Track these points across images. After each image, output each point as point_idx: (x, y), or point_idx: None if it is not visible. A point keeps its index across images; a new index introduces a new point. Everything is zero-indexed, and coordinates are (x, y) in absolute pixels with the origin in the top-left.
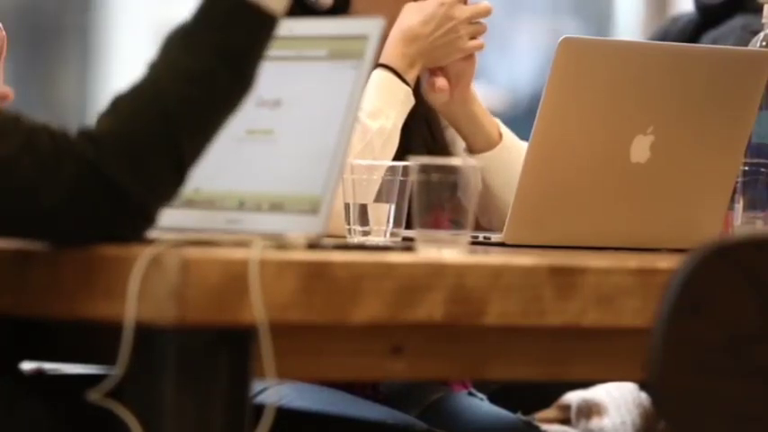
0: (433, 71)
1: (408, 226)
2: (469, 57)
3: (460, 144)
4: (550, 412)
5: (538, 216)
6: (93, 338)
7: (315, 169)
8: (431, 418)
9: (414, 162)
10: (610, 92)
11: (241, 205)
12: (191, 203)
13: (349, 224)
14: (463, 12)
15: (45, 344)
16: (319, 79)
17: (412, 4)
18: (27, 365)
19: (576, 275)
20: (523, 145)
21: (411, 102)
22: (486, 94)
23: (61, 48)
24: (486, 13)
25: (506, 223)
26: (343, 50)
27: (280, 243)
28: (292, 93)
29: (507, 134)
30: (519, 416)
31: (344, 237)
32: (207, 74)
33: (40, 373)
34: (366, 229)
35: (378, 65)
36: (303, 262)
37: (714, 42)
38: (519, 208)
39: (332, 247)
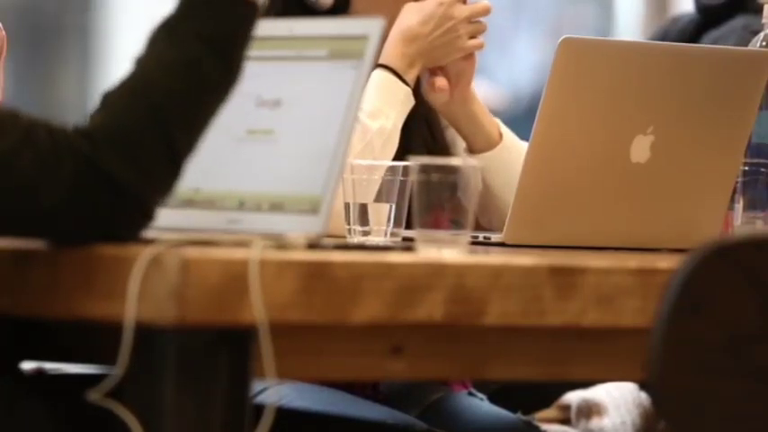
0: (433, 71)
1: (408, 226)
2: (469, 56)
3: (461, 144)
4: (550, 412)
5: (538, 216)
6: (93, 338)
7: (315, 169)
8: (431, 418)
9: (414, 162)
10: (610, 92)
11: (241, 205)
12: (191, 203)
13: (349, 224)
14: (462, 11)
15: (45, 344)
16: (319, 79)
17: (411, 4)
18: (27, 365)
19: (576, 275)
20: (523, 145)
21: (411, 102)
22: (486, 92)
23: (61, 48)
24: (486, 12)
25: (506, 223)
26: (343, 50)
27: (280, 243)
28: (292, 93)
29: (507, 134)
30: (519, 416)
31: (344, 237)
32: (193, 63)
33: (40, 373)
34: (366, 229)
35: (377, 65)
36: (303, 262)
37: (715, 42)
38: (519, 208)
39: (332, 247)
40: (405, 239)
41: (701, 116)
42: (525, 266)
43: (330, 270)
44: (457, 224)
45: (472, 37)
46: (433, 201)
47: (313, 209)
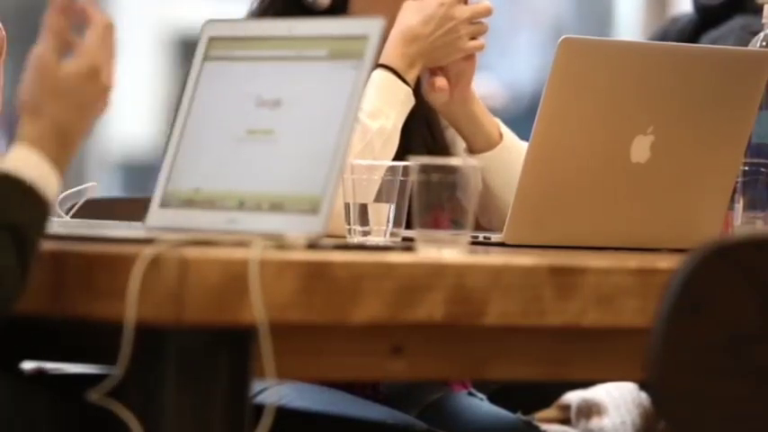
0: (433, 71)
1: (408, 226)
2: (470, 57)
3: (461, 144)
4: (550, 412)
5: (538, 216)
6: (94, 338)
7: (315, 169)
8: (431, 418)
9: (414, 162)
10: (610, 92)
11: (241, 205)
12: (191, 203)
13: (349, 224)
14: (463, 12)
15: (45, 344)
16: (319, 79)
17: (410, 3)
18: (27, 365)
19: (576, 275)
20: (523, 145)
21: (411, 102)
22: (485, 90)
23: None
24: (487, 12)
25: (506, 223)
26: (343, 50)
27: (280, 243)
28: (292, 93)
29: (507, 134)
30: (519, 416)
31: (344, 237)
32: None
33: (40, 373)
34: (366, 229)
35: (378, 65)
36: (303, 262)
37: (713, 43)
38: (519, 208)
39: (332, 247)
40: (405, 239)
41: (701, 116)
42: (525, 266)
43: (330, 270)
44: (457, 224)
45: (473, 38)
46: (433, 201)
47: (313, 209)
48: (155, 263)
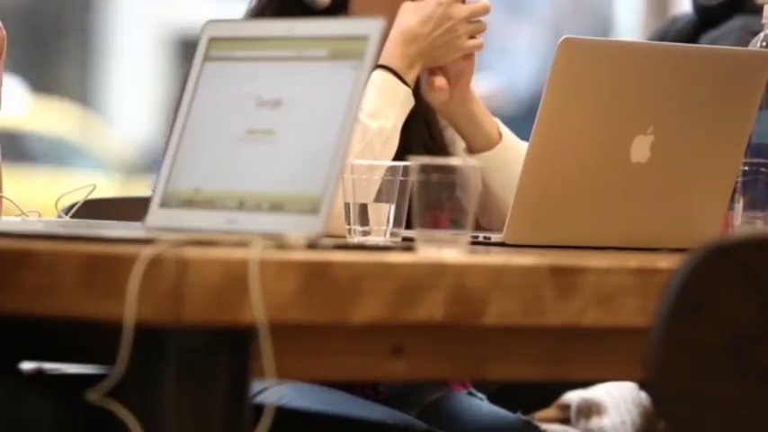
0: (433, 71)
1: (408, 226)
2: (469, 56)
3: (460, 144)
4: (550, 412)
5: (538, 216)
6: (93, 338)
7: (315, 169)
8: (431, 418)
9: (414, 162)
10: (610, 92)
11: (241, 205)
12: (191, 203)
13: (349, 224)
14: (461, 11)
15: (45, 344)
16: (319, 79)
17: (409, 3)
18: (27, 365)
19: (576, 275)
20: (523, 145)
21: (411, 102)
22: (485, 90)
23: (61, 48)
24: (485, 11)
25: (506, 223)
26: (343, 51)
27: (280, 243)
28: (293, 93)
29: (507, 134)
30: (519, 416)
31: (344, 237)
32: None
33: (40, 373)
34: (366, 229)
35: (377, 66)
36: (303, 262)
37: (713, 43)
38: (519, 208)
39: (332, 247)
40: (405, 239)
41: (701, 116)
42: (525, 266)
43: (330, 270)
44: (457, 224)
45: (472, 37)
46: (433, 201)
47: (313, 209)
48: (154, 263)
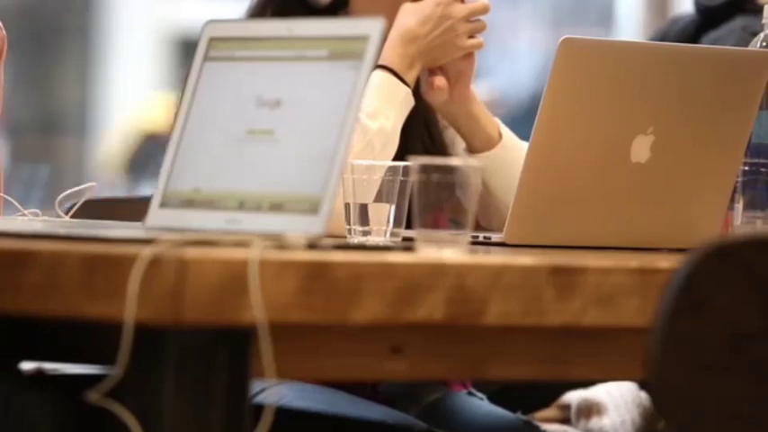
0: (433, 70)
1: (408, 226)
2: (469, 55)
3: (460, 144)
4: (550, 412)
5: (538, 216)
6: (93, 338)
7: (315, 169)
8: (430, 418)
9: (414, 162)
10: (610, 92)
11: (241, 205)
12: (191, 203)
13: (349, 224)
14: (461, 10)
15: (45, 344)
16: (319, 79)
17: (409, 4)
18: (27, 365)
19: (576, 275)
20: (523, 145)
21: (411, 102)
22: (486, 95)
23: (61, 48)
24: (484, 10)
25: (506, 223)
26: (343, 51)
27: (280, 243)
28: (293, 93)
29: (507, 134)
30: (519, 416)
31: (344, 237)
32: None
33: (40, 373)
34: (366, 229)
35: (377, 66)
36: (303, 262)
37: (714, 43)
38: (519, 208)
39: (332, 247)
40: (405, 239)
41: (701, 116)
42: (525, 266)
43: (330, 270)
44: (457, 224)
45: (471, 36)
46: (433, 201)
47: (313, 209)
48: (154, 263)
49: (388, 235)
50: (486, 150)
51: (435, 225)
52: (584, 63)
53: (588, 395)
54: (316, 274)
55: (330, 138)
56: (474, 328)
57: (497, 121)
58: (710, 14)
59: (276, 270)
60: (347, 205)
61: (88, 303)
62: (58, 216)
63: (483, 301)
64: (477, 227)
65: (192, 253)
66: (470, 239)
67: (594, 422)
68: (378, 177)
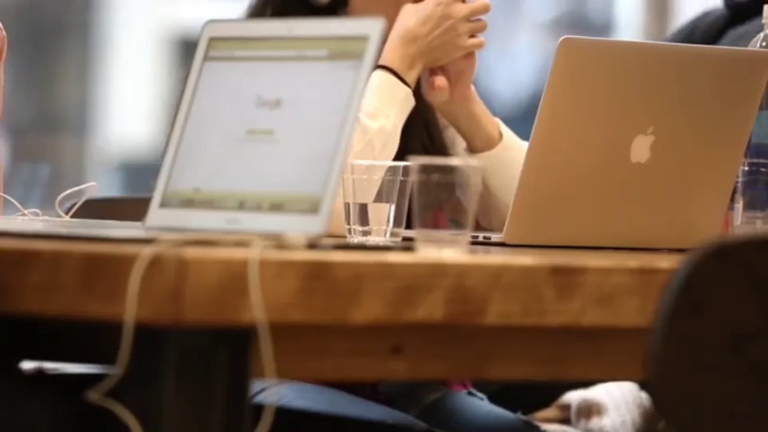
0: (433, 70)
1: (408, 226)
2: (469, 55)
3: (461, 144)
4: (550, 412)
5: (538, 216)
6: (94, 338)
7: (315, 169)
8: (430, 418)
9: (414, 162)
10: (610, 92)
11: (241, 205)
12: (191, 203)
13: (349, 224)
14: (461, 10)
15: (45, 344)
16: (319, 79)
17: (409, 5)
18: (27, 365)
19: (576, 275)
20: (523, 145)
21: (411, 102)
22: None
23: (61, 47)
24: (485, 9)
25: (506, 223)
26: (343, 51)
27: (280, 243)
28: (293, 93)
29: (507, 134)
30: (519, 416)
31: (344, 237)
32: None
33: (40, 373)
34: (366, 229)
35: (377, 66)
36: (303, 262)
37: (738, 39)
38: (519, 208)
39: (332, 247)
40: (405, 239)
41: (702, 116)
42: (525, 266)
43: (330, 270)
44: (457, 224)
45: (472, 35)
46: (433, 201)
47: (313, 209)
48: (154, 263)
49: (388, 235)
50: (487, 150)
51: (435, 225)
52: (584, 63)
53: (588, 395)
54: (316, 274)
55: (330, 138)
56: (474, 328)
57: (498, 120)
58: (739, 10)
59: (276, 270)
60: (347, 205)
61: (88, 303)
62: (59, 216)
63: (483, 300)
64: (477, 227)
65: (192, 253)
66: (470, 239)
67: (594, 422)
68: (378, 177)
